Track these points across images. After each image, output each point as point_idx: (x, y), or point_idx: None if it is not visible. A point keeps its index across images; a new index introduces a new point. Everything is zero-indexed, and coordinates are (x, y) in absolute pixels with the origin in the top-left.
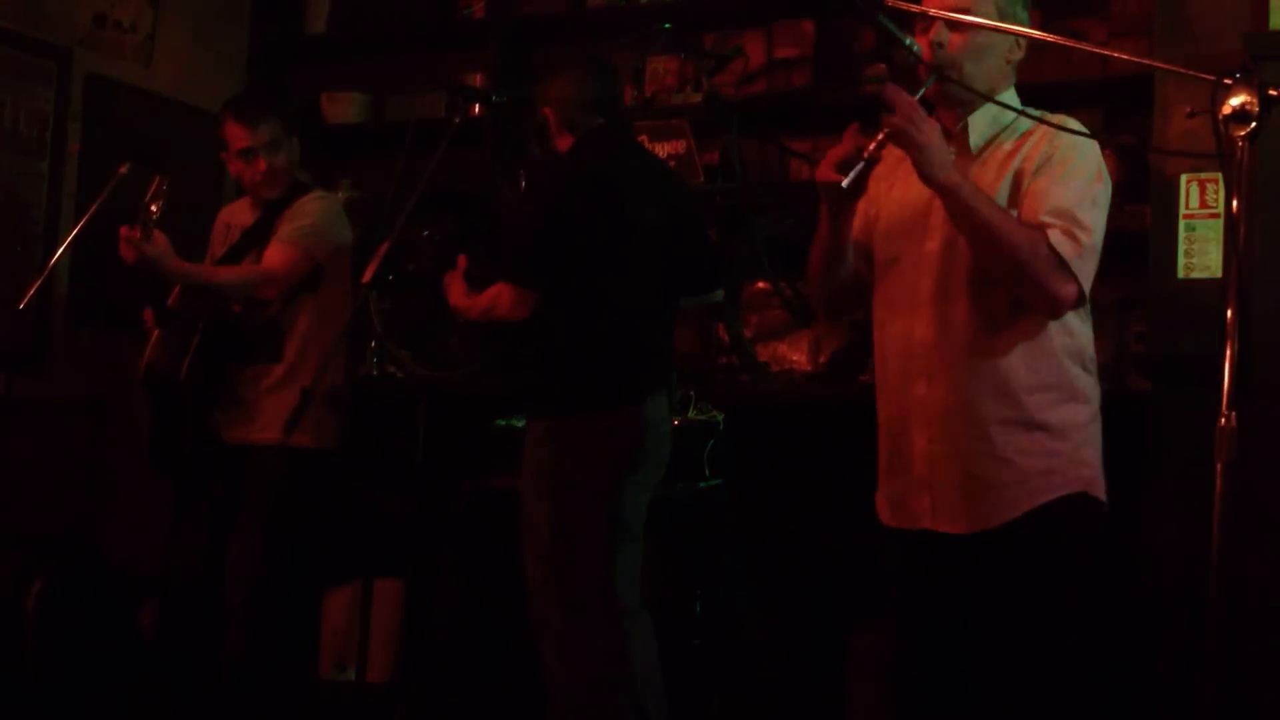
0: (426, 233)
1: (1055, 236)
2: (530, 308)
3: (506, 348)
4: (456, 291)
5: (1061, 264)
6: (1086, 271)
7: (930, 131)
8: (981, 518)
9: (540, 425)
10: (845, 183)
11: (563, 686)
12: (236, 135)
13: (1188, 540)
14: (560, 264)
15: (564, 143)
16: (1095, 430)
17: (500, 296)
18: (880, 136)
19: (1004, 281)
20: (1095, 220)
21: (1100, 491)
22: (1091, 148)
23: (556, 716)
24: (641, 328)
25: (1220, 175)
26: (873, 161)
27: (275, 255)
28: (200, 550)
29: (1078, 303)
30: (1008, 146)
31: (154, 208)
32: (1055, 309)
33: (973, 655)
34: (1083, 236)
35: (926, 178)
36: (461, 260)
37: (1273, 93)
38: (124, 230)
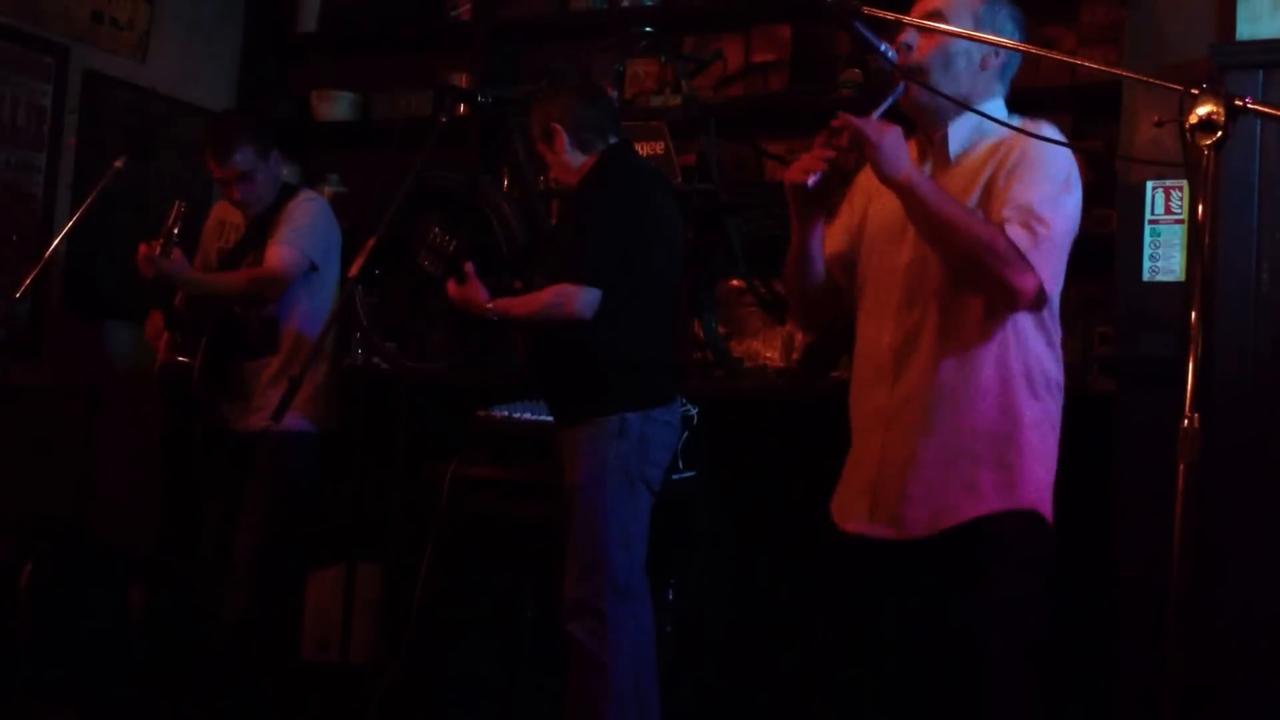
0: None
1: (1012, 229)
2: (596, 308)
3: (549, 348)
4: (478, 294)
5: (1019, 255)
6: (1046, 265)
7: (887, 132)
8: (916, 524)
9: (607, 420)
10: (810, 182)
11: (600, 666)
12: (212, 167)
13: (1150, 539)
14: (624, 266)
15: (572, 158)
16: (1048, 450)
17: (570, 296)
18: (842, 140)
19: (966, 276)
20: (1056, 219)
21: (1047, 510)
22: (1064, 155)
23: (596, 696)
24: (668, 331)
25: (1184, 182)
26: (837, 166)
27: (276, 257)
28: (205, 532)
29: (1038, 297)
30: (982, 153)
31: (175, 230)
32: (1014, 301)
33: (901, 660)
34: (1040, 229)
35: (882, 174)
36: (468, 266)
37: (1238, 103)
38: (143, 248)
